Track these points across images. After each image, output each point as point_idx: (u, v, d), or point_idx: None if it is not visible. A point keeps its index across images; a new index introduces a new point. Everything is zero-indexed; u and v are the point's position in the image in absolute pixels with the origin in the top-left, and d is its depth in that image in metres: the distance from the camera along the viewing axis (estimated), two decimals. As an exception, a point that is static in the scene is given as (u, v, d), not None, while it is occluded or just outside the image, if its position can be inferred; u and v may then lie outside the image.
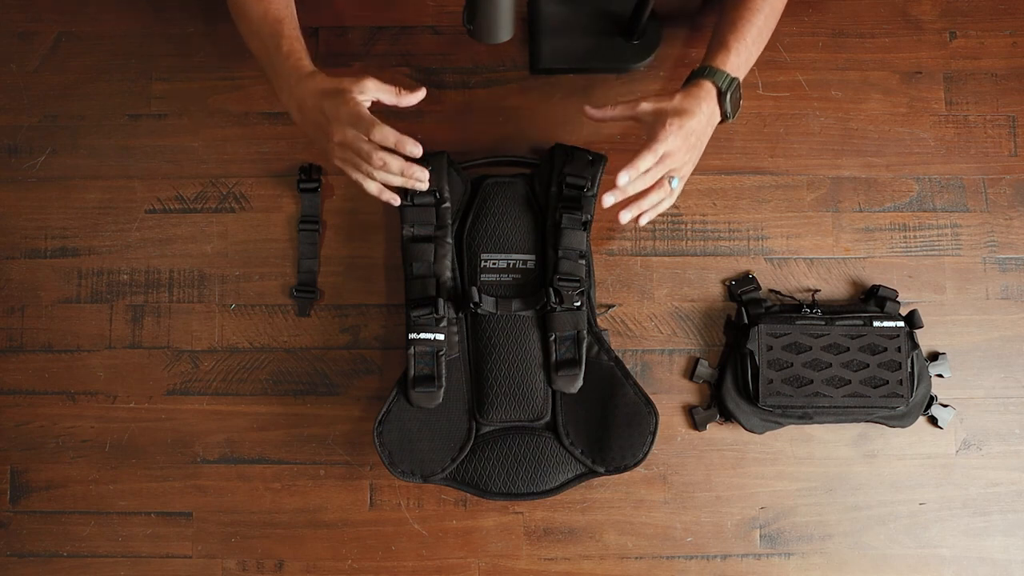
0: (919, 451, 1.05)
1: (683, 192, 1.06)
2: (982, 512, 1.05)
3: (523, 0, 1.08)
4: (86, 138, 1.08)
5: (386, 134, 0.87)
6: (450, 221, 1.02)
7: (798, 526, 1.05)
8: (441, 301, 0.99)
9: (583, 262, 1.01)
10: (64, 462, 1.05)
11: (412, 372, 0.99)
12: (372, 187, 0.92)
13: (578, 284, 1.00)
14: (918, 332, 1.05)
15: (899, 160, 1.08)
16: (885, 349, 1.02)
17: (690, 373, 1.06)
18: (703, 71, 0.94)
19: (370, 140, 0.88)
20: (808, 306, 1.04)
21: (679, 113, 0.91)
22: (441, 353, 1.00)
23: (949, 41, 1.10)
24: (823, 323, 1.02)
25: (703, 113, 0.92)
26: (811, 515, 1.05)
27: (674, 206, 1.06)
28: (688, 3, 1.09)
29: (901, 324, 1.03)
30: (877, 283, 1.06)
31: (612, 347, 1.03)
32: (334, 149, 0.90)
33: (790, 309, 1.05)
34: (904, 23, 1.10)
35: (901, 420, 1.04)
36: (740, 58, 0.95)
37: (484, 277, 1.03)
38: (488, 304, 1.01)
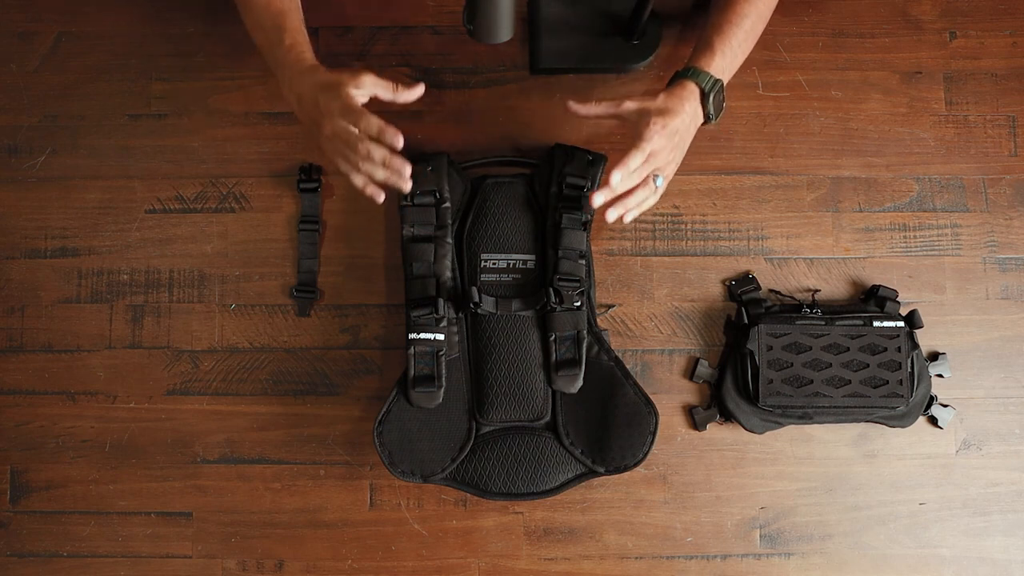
0: (919, 451, 1.05)
1: (683, 192, 1.07)
2: (982, 512, 1.05)
3: (523, 0, 1.08)
4: (86, 138, 1.08)
5: (370, 122, 0.87)
6: (450, 221, 1.02)
7: (798, 526, 1.05)
8: (441, 301, 0.99)
9: (583, 262, 1.01)
10: (64, 462, 1.05)
11: (412, 372, 0.99)
12: (358, 180, 0.92)
13: (578, 284, 1.00)
14: (918, 332, 1.05)
15: (899, 160, 1.08)
16: (885, 349, 1.02)
17: (690, 373, 1.06)
18: (687, 72, 0.94)
19: (358, 131, 0.88)
20: (808, 306, 1.04)
21: (663, 113, 0.91)
22: (441, 353, 1.00)
23: (949, 41, 1.10)
24: (823, 323, 1.02)
25: (686, 113, 0.92)
26: (811, 515, 1.05)
27: (674, 206, 1.07)
28: (688, 3, 1.09)
29: (901, 324, 1.03)
30: (877, 283, 1.06)
31: (612, 347, 1.03)
32: (325, 141, 0.90)
33: (790, 309, 1.05)
34: (904, 23, 1.10)
35: (901, 420, 1.04)
36: (725, 60, 0.95)
37: (484, 277, 1.03)
38: (488, 304, 1.01)
